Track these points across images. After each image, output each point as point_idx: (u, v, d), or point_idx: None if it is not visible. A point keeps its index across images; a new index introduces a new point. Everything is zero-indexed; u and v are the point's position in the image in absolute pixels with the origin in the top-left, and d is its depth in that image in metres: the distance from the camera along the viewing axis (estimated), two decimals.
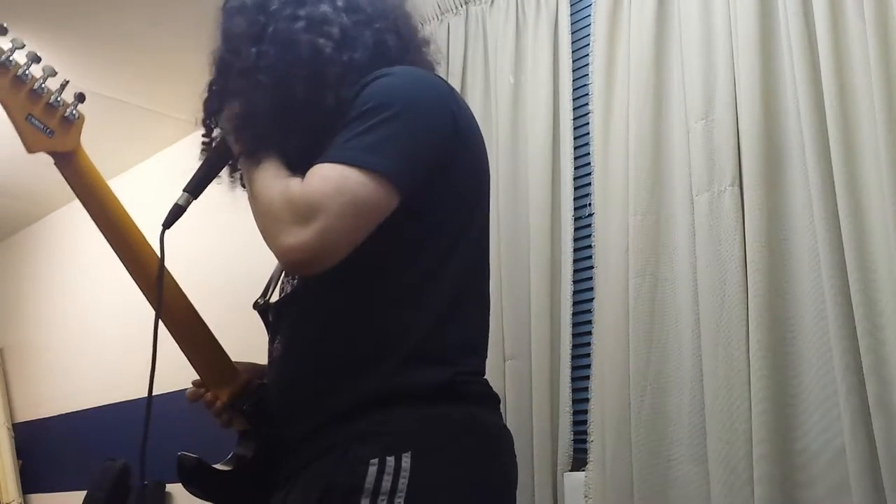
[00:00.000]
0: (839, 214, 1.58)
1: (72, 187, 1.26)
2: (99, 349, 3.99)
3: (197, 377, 1.32)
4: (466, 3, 2.50)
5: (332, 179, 1.02)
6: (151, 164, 3.92)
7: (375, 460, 1.05)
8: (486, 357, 1.22)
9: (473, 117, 1.26)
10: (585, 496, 1.93)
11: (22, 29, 2.86)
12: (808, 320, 1.65)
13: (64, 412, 4.18)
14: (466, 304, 1.17)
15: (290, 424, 1.18)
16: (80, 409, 4.07)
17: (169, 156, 3.82)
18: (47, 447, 4.28)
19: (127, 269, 1.27)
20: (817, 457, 1.60)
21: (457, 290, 1.15)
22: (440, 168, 1.12)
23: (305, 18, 1.15)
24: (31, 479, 4.34)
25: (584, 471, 1.97)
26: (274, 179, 1.08)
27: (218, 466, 1.27)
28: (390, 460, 1.05)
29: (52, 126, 1.20)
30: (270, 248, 1.06)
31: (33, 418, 4.45)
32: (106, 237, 1.27)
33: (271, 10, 1.17)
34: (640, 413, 1.83)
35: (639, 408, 1.83)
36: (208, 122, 1.27)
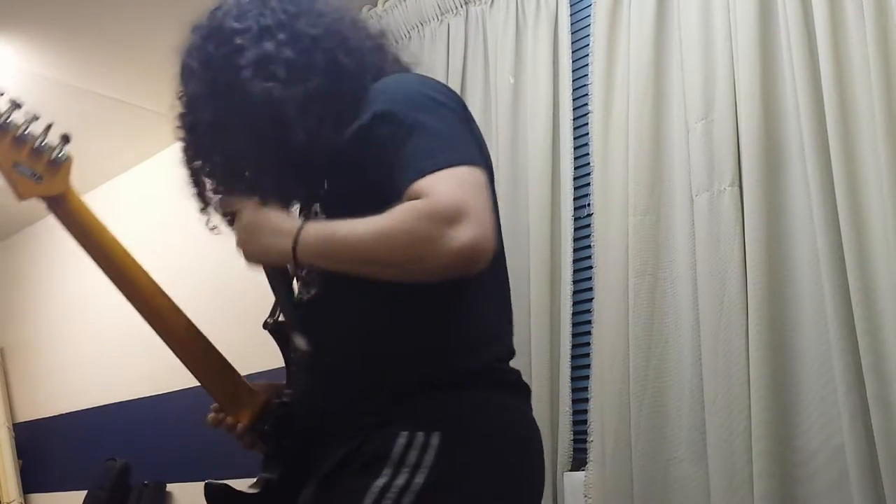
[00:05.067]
0: (839, 214, 1.59)
1: (65, 228, 1.25)
2: (99, 349, 3.99)
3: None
4: (466, 3, 2.50)
5: (446, 180, 1.03)
6: (151, 164, 3.92)
7: (406, 433, 1.07)
8: (512, 340, 1.27)
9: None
10: (585, 496, 1.93)
11: (22, 29, 2.88)
12: (808, 319, 1.66)
13: (64, 412, 4.17)
14: (499, 288, 1.23)
15: (327, 425, 1.18)
16: (80, 409, 4.07)
17: (169, 156, 3.82)
18: (47, 447, 4.28)
19: (129, 301, 1.27)
20: (817, 453, 1.61)
21: (487, 277, 1.13)
22: None
23: (250, 65, 1.15)
24: (31, 479, 4.34)
25: (584, 471, 1.97)
26: (366, 223, 1.04)
27: (246, 490, 1.25)
28: (420, 435, 1.06)
29: (40, 171, 1.20)
30: (433, 269, 1.02)
31: (33, 418, 4.45)
32: (105, 274, 1.27)
33: (218, 65, 1.18)
34: (640, 413, 1.83)
35: (639, 408, 1.83)
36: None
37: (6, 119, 1.17)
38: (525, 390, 1.22)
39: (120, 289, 1.27)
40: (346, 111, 1.15)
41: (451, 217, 1.00)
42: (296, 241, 1.09)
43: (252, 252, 1.17)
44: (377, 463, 1.06)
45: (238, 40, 1.17)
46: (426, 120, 1.09)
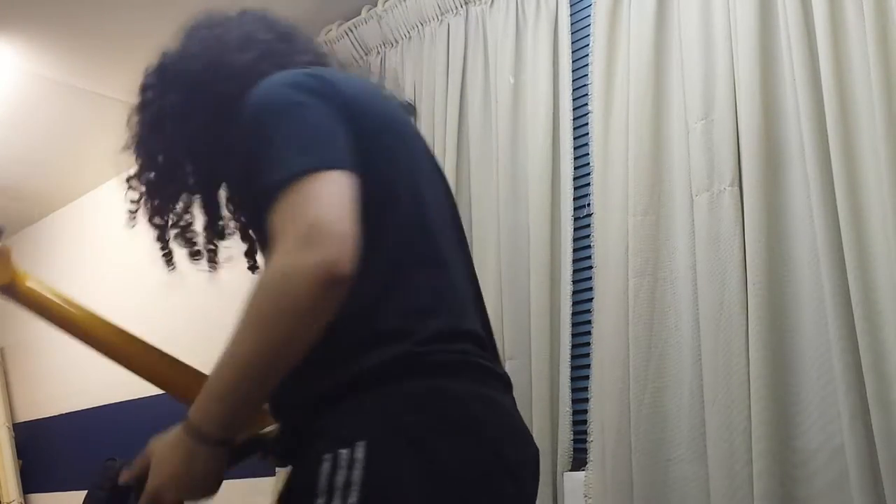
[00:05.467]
0: (839, 214, 1.58)
1: (28, 310, 1.36)
2: None
3: None
4: (466, 3, 2.50)
5: (290, 210, 0.96)
6: None
7: (329, 455, 0.98)
8: (458, 319, 1.11)
9: (367, 85, 1.28)
10: (585, 496, 1.93)
11: (22, 29, 2.88)
12: (808, 319, 1.66)
13: (64, 412, 4.18)
14: (412, 267, 1.09)
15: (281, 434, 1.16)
16: (80, 409, 4.07)
17: None
18: (47, 447, 4.28)
19: (105, 356, 1.35)
20: (816, 453, 1.61)
21: (397, 255, 1.07)
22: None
23: (145, 123, 1.28)
24: (31, 479, 4.34)
25: (584, 471, 1.97)
26: (230, 347, 0.97)
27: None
28: (343, 453, 0.98)
29: None
30: (312, 312, 0.94)
31: (33, 418, 4.45)
32: (74, 338, 1.36)
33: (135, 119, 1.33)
34: (639, 413, 1.83)
35: (639, 407, 1.83)
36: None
37: None
38: (471, 367, 1.08)
39: (92, 347, 1.33)
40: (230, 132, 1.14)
41: (302, 239, 0.93)
42: (202, 434, 1.01)
43: (197, 486, 1.04)
44: (308, 496, 0.98)
45: (146, 94, 1.28)
46: (277, 128, 1.03)
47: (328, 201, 0.96)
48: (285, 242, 0.94)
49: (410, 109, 1.35)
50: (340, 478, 0.96)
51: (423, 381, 1.03)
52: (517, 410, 1.16)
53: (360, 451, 0.98)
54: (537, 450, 1.16)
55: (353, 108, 1.10)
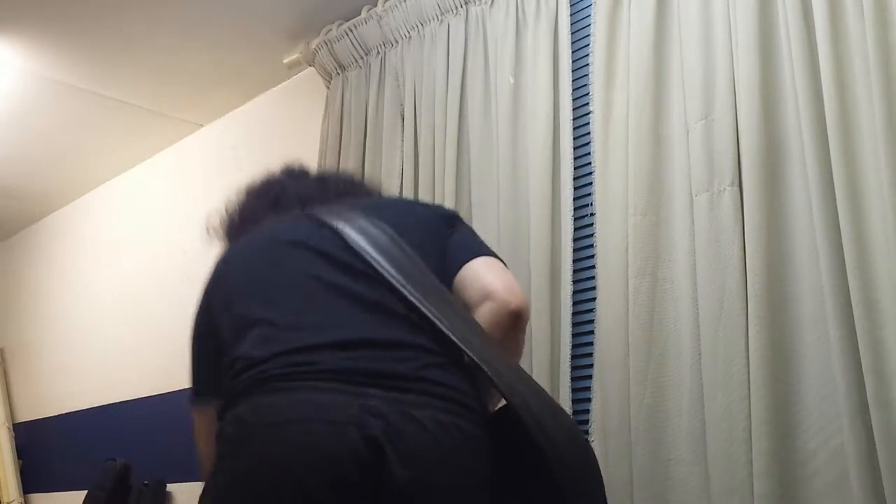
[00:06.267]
0: (839, 214, 1.58)
1: None
2: (99, 349, 3.99)
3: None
4: (466, 3, 2.50)
5: None
6: (151, 164, 3.92)
7: None
8: (257, 342, 1.27)
9: (239, 252, 1.51)
10: None
11: (22, 29, 2.87)
12: (808, 319, 1.66)
13: (64, 412, 4.17)
14: (235, 344, 1.31)
15: None
16: (80, 409, 4.07)
17: (169, 156, 3.82)
18: (47, 447, 4.28)
19: None
20: (816, 454, 1.60)
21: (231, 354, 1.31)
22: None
23: None
24: (31, 479, 4.34)
25: None
26: None
27: None
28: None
29: None
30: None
31: (33, 418, 4.45)
32: None
33: None
34: (640, 413, 1.83)
35: (639, 407, 1.83)
36: None
37: None
38: (250, 383, 1.22)
39: None
40: None
41: None
42: None
43: None
44: None
45: None
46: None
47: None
48: None
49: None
50: None
51: (226, 415, 1.23)
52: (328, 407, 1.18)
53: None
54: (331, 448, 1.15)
55: (212, 299, 1.43)
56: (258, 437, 1.15)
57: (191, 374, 1.42)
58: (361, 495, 1.11)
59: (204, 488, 1.23)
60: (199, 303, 1.44)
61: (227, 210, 1.64)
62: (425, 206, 1.77)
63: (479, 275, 1.43)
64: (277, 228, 1.48)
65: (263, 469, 1.12)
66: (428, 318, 1.28)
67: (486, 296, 1.38)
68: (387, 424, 1.13)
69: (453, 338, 1.26)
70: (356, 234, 1.38)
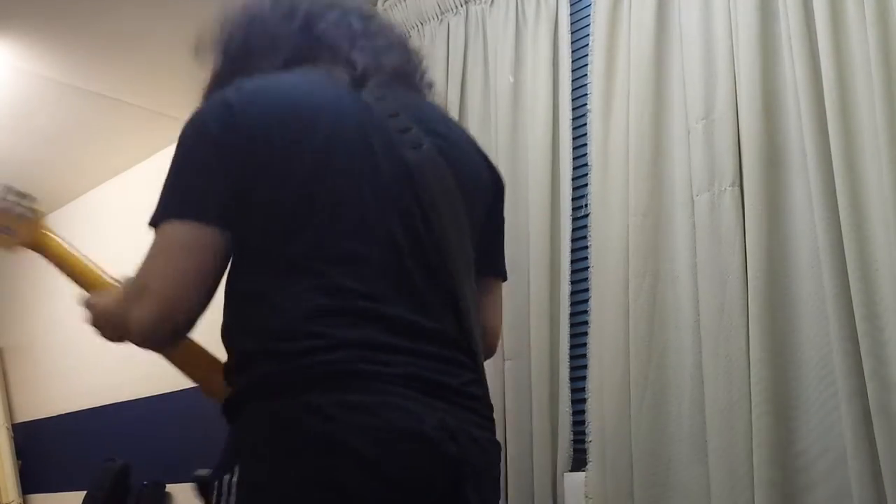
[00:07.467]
0: (840, 214, 1.58)
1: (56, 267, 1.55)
2: (99, 350, 3.97)
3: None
4: (466, 3, 2.50)
5: (146, 254, 1.11)
6: (151, 164, 3.92)
7: (217, 482, 1.01)
8: (345, 325, 1.04)
9: (278, 106, 1.15)
10: (586, 496, 1.93)
11: (22, 29, 2.87)
12: (809, 321, 1.65)
13: (64, 412, 4.17)
14: (284, 284, 1.07)
15: None
16: (80, 409, 4.06)
17: (169, 156, 3.81)
18: (47, 447, 4.28)
19: None
20: (818, 460, 1.60)
21: (282, 279, 1.07)
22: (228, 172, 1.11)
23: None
24: (31, 479, 4.34)
25: (584, 471, 1.97)
26: (107, 297, 1.30)
27: None
28: (226, 479, 1.00)
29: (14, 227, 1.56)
30: (135, 342, 1.16)
31: (33, 418, 4.45)
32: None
33: None
34: (640, 413, 1.83)
35: (639, 408, 1.83)
36: None
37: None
38: (352, 377, 1.01)
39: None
40: None
41: (133, 297, 1.10)
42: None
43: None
44: None
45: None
46: (170, 167, 1.18)
47: (161, 259, 1.09)
48: (126, 292, 1.18)
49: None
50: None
51: (294, 399, 1.00)
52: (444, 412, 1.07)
53: (235, 476, 1.00)
54: (455, 454, 1.05)
55: (253, 136, 1.10)
56: (360, 444, 0.99)
57: (178, 186, 1.14)
58: None
59: (255, 481, 0.99)
60: (236, 109, 1.12)
61: (228, 27, 1.34)
62: (484, 157, 1.34)
63: (498, 311, 1.35)
64: (368, 116, 1.15)
65: (374, 484, 0.99)
66: (470, 333, 1.15)
67: (491, 344, 1.30)
68: (458, 443, 1.05)
69: (480, 354, 1.17)
70: (439, 178, 1.16)
